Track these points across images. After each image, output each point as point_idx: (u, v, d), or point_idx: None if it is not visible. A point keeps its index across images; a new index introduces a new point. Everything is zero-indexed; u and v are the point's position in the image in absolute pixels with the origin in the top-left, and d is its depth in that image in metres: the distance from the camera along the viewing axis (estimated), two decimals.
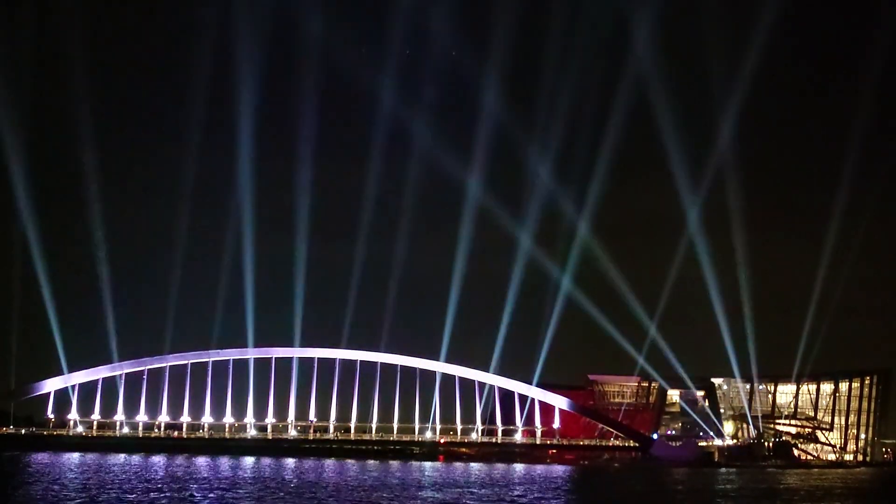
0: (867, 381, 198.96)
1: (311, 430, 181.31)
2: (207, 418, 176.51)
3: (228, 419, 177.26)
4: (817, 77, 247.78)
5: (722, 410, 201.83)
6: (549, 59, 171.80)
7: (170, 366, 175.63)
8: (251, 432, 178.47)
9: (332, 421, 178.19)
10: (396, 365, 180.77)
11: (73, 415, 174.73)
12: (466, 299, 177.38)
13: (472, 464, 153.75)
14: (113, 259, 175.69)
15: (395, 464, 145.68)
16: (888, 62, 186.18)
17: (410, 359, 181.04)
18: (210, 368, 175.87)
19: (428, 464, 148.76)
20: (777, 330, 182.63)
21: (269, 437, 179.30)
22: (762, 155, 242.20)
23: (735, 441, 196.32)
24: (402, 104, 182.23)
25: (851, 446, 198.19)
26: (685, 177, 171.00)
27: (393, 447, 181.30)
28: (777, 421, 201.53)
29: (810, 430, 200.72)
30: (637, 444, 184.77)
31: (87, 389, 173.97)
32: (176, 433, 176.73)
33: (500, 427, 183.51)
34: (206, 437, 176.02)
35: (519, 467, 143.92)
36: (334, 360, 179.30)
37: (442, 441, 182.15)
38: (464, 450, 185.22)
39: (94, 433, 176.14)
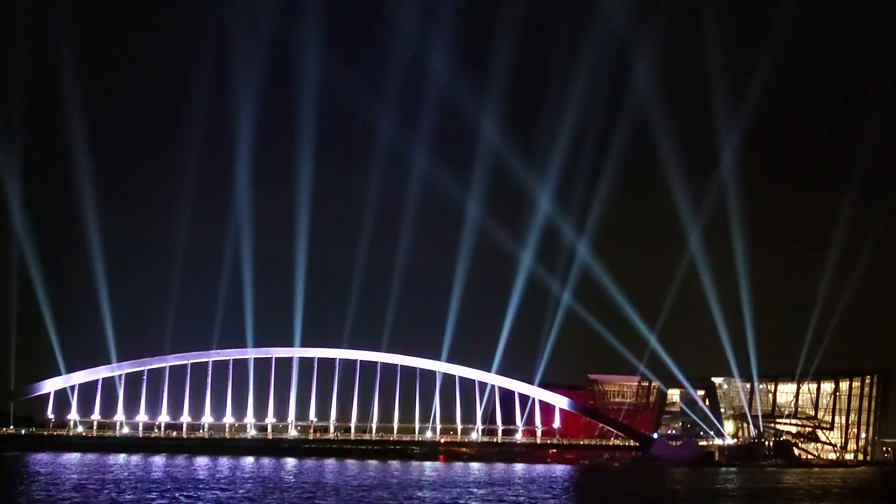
0: (867, 381, 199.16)
1: (312, 430, 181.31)
2: (207, 418, 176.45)
3: (228, 419, 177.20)
4: (825, 85, 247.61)
5: (722, 410, 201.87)
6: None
7: (170, 366, 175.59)
8: (251, 432, 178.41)
9: (332, 421, 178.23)
10: (396, 365, 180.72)
11: (73, 415, 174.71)
12: (469, 299, 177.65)
13: (473, 464, 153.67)
14: (113, 259, 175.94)
15: (395, 464, 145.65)
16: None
17: (410, 358, 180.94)
18: (210, 368, 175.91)
19: (428, 464, 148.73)
20: (777, 329, 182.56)
21: (270, 437, 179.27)
22: (765, 160, 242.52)
23: (735, 440, 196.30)
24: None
25: (852, 445, 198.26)
26: (688, 184, 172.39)
27: (393, 447, 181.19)
28: (777, 420, 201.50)
29: (811, 429, 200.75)
30: (637, 444, 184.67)
31: (87, 389, 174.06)
32: (175, 433, 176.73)
33: (500, 427, 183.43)
34: (206, 437, 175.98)
35: (519, 467, 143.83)
36: (334, 359, 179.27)
37: (442, 441, 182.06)
38: (464, 450, 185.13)
39: (94, 433, 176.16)
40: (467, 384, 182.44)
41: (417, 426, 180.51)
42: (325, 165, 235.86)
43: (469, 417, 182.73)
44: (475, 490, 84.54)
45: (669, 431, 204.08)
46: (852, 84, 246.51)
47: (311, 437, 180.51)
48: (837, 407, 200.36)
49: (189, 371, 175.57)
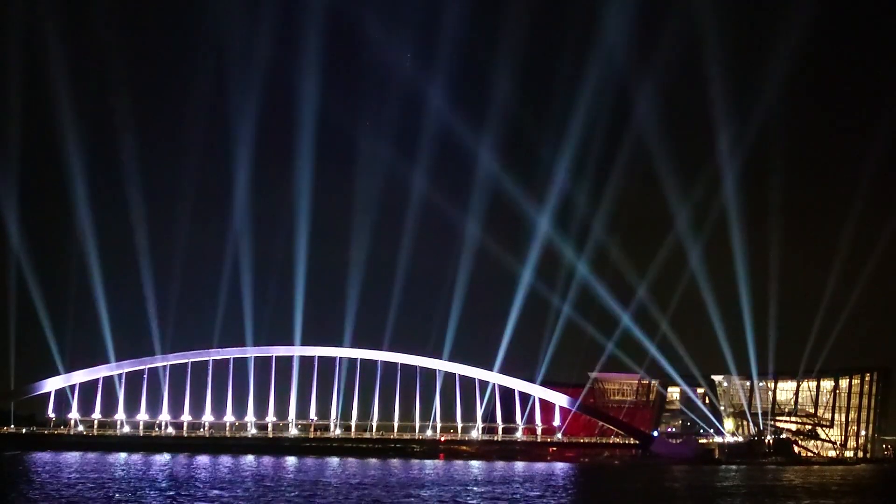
0: (867, 378, 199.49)
1: (312, 429, 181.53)
2: (208, 417, 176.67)
3: (229, 418, 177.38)
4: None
5: (722, 407, 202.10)
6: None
7: (170, 365, 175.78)
8: (252, 431, 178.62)
9: (332, 419, 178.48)
10: (397, 363, 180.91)
11: (74, 414, 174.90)
12: (471, 299, 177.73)
13: (473, 462, 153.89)
14: (113, 259, 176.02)
15: (395, 462, 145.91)
16: None
17: (411, 357, 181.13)
18: (210, 367, 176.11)
19: (429, 462, 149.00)
20: (777, 328, 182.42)
21: (270, 435, 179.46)
22: (766, 160, 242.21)
23: (735, 438, 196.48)
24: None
25: (852, 443, 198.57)
26: (688, 183, 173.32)
27: (394, 445, 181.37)
28: (777, 418, 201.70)
29: (810, 426, 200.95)
30: (637, 442, 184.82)
31: (87, 388, 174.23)
32: (176, 432, 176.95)
33: (500, 425, 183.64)
34: (207, 435, 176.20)
35: (519, 465, 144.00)
36: (335, 358, 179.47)
37: (442, 439, 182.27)
38: (464, 448, 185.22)
39: (95, 432, 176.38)
40: (467, 382, 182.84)
41: (418, 424, 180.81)
42: (325, 165, 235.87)
43: (469, 416, 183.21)
44: (475, 488, 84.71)
45: (669, 429, 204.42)
46: (858, 87, 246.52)
47: (311, 435, 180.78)
48: (837, 404, 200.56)
49: (189, 370, 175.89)
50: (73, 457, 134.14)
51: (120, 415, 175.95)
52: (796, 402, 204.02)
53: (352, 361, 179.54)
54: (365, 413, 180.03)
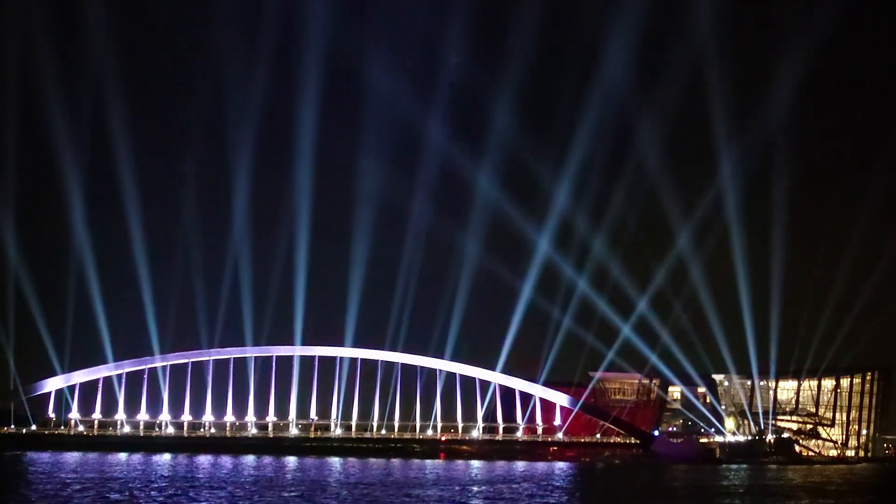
0: (868, 378, 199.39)
1: (313, 429, 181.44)
2: (208, 417, 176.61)
3: (229, 418, 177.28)
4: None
5: (723, 407, 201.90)
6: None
7: (170, 365, 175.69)
8: (252, 431, 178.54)
9: (333, 419, 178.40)
10: (397, 363, 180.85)
11: (74, 414, 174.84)
12: (473, 298, 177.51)
13: (473, 461, 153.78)
14: (113, 258, 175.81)
15: (396, 461, 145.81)
16: None
17: (412, 356, 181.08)
18: (211, 367, 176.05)
19: (429, 461, 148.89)
20: (777, 327, 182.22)
21: (271, 435, 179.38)
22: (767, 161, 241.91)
23: (736, 438, 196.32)
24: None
25: (853, 442, 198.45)
26: (686, 185, 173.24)
27: (394, 445, 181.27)
28: (778, 417, 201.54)
29: (812, 426, 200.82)
30: (638, 441, 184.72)
31: (87, 388, 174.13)
32: (176, 432, 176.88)
33: (501, 424, 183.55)
34: (207, 435, 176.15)
35: (520, 464, 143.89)
36: (335, 358, 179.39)
37: (443, 439, 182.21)
38: (465, 447, 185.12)
39: (95, 432, 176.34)
40: (468, 382, 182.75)
41: (418, 424, 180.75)
42: (325, 166, 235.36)
43: (470, 415, 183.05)
44: (475, 487, 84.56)
45: (670, 429, 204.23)
46: (866, 92, 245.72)
47: (311, 435, 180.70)
48: (838, 404, 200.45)
49: (190, 369, 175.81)
50: (73, 457, 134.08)
51: (120, 415, 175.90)
52: (797, 401, 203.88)
53: (352, 361, 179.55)
54: (365, 413, 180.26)
